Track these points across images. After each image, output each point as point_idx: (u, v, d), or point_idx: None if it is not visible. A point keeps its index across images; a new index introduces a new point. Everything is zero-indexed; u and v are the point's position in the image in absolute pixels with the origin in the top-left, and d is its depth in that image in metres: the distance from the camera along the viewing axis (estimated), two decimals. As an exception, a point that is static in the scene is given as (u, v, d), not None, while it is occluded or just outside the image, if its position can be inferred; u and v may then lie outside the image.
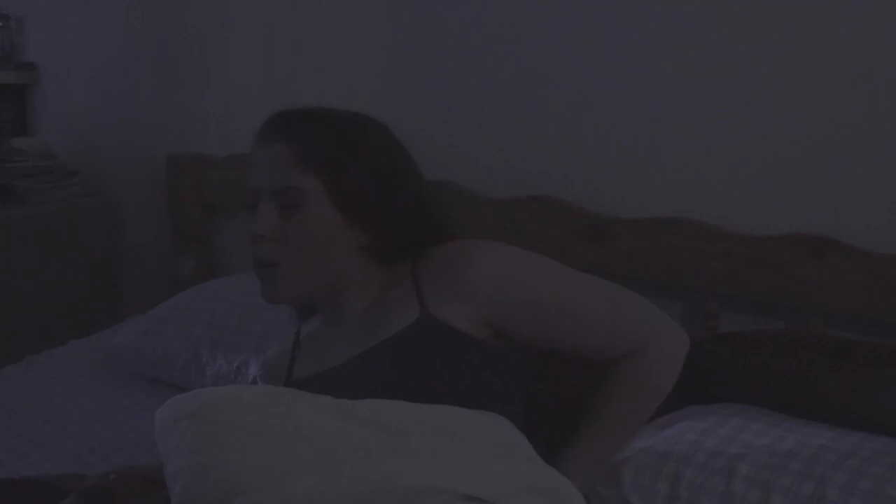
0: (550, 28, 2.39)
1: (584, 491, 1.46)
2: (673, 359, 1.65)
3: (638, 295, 1.66)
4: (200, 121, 3.02)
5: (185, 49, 3.03)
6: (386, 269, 1.52)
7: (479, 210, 2.43)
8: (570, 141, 2.39)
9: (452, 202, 2.38)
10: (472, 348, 1.41)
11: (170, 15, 3.05)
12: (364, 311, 1.51)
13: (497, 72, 2.47)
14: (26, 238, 2.97)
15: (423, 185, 1.54)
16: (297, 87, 2.77)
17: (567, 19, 2.37)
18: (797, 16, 2.11)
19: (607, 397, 1.58)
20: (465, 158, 2.52)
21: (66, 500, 1.51)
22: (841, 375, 1.90)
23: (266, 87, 2.84)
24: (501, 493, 1.25)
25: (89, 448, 2.05)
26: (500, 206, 2.42)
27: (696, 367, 2.04)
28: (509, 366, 1.49)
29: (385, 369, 1.40)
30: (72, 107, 3.29)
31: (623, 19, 2.30)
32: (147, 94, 3.13)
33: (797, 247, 2.09)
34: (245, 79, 2.90)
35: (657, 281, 2.26)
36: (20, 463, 1.96)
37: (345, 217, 1.43)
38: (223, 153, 2.92)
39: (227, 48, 2.91)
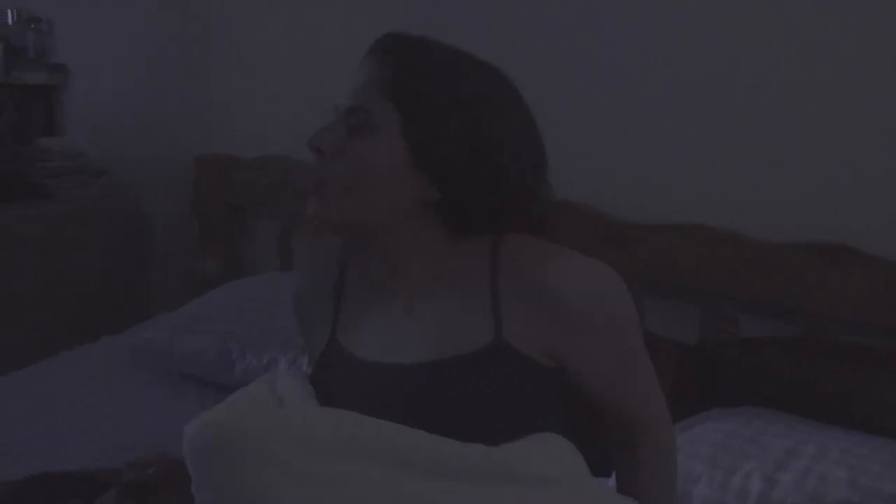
0: (570, 33, 2.44)
1: None
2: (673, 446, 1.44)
3: None
4: (227, 122, 3.07)
5: (212, 51, 3.09)
6: (455, 240, 1.28)
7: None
8: (590, 146, 2.43)
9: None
10: (542, 379, 1.24)
11: (198, 18, 3.10)
12: (424, 288, 1.28)
13: (515, 77, 2.50)
14: (55, 236, 3.03)
15: (532, 160, 1.30)
16: (324, 88, 2.81)
17: (585, 25, 2.42)
18: (815, 24, 2.15)
19: (643, 489, 1.37)
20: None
21: (107, 494, 1.55)
22: (860, 381, 1.95)
23: (293, 90, 2.90)
24: None
25: (122, 442, 2.09)
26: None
27: (716, 371, 2.10)
28: (566, 392, 1.32)
29: (451, 396, 1.21)
30: (100, 107, 3.34)
31: (643, 26, 2.35)
32: (174, 95, 3.18)
33: (814, 254, 2.14)
34: (272, 81, 2.95)
35: (675, 285, 2.31)
36: (56, 456, 2.00)
37: (415, 160, 1.21)
38: (250, 155, 2.98)
39: (255, 50, 2.96)
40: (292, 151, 2.81)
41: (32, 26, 3.36)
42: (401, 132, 1.21)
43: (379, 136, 1.21)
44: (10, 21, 3.35)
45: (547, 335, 1.21)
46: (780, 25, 2.20)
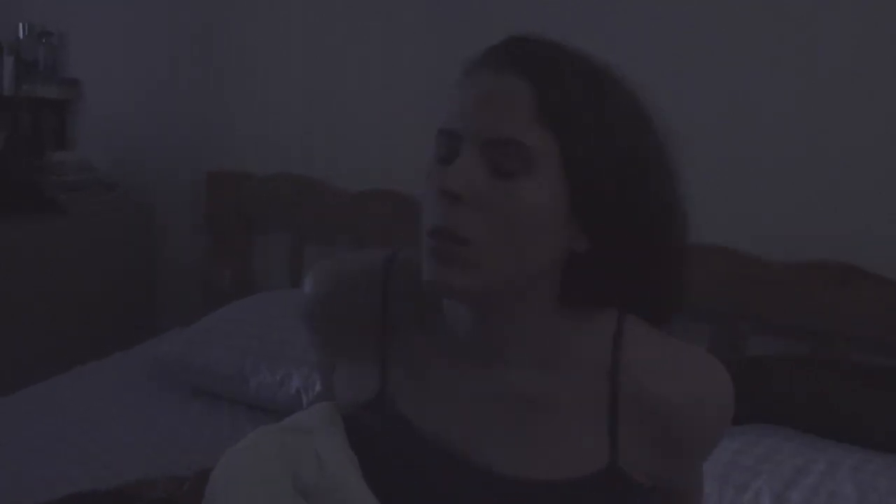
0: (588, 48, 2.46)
1: None
2: None
3: None
4: (240, 138, 3.10)
5: (226, 67, 3.11)
6: (567, 312, 1.03)
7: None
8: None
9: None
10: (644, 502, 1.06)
11: (212, 32, 3.13)
12: (526, 374, 1.04)
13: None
14: (67, 249, 3.04)
15: (681, 207, 1.06)
16: (337, 107, 2.86)
17: (592, 45, 2.43)
18: (825, 49, 2.20)
19: None
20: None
21: (139, 509, 1.56)
22: (870, 399, 1.99)
23: (307, 107, 2.93)
24: None
25: (139, 457, 2.10)
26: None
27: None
28: None
29: None
30: (113, 122, 3.37)
31: (651, 45, 2.39)
32: (187, 110, 3.20)
33: (823, 274, 2.18)
34: (285, 97, 2.99)
35: (688, 306, 2.33)
36: (74, 472, 2.01)
37: (573, 202, 0.96)
38: (262, 170, 3.01)
39: (268, 66, 2.99)
40: (305, 168, 2.84)
41: (44, 40, 3.38)
42: (561, 168, 0.95)
43: (536, 175, 0.94)
44: (21, 35, 3.37)
45: (659, 459, 1.02)
46: (794, 56, 2.24)
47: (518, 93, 0.94)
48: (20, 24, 3.37)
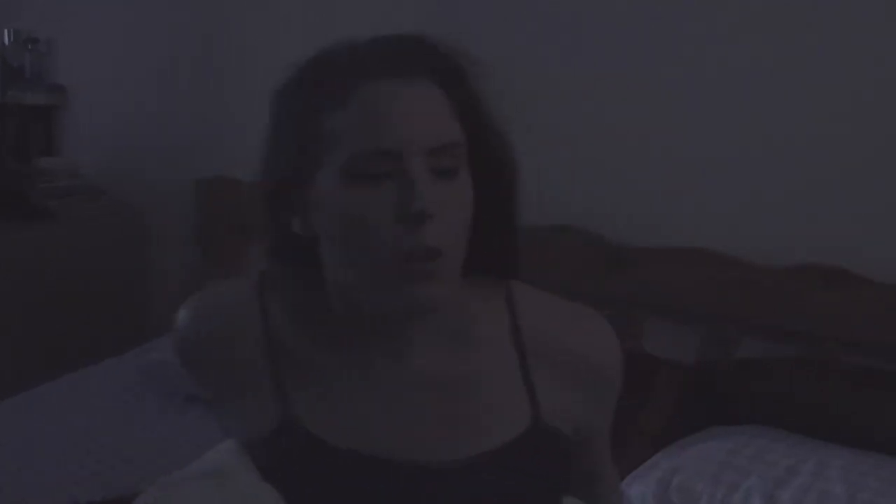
0: (572, 60, 2.49)
1: None
2: None
3: None
4: (230, 144, 3.10)
5: (214, 72, 3.11)
6: (472, 286, 1.06)
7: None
8: (592, 172, 2.49)
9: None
10: (568, 451, 1.10)
11: (200, 37, 3.13)
12: (438, 352, 1.06)
13: (518, 104, 2.55)
14: (56, 256, 3.03)
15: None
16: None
17: (590, 49, 2.48)
18: (811, 52, 2.23)
19: None
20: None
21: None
22: (858, 400, 2.02)
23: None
24: None
25: (131, 465, 2.11)
26: (523, 236, 2.49)
27: (717, 391, 2.17)
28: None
29: (489, 496, 1.04)
30: (100, 128, 3.36)
31: (647, 54, 2.41)
32: (176, 117, 3.20)
33: (811, 277, 2.21)
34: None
35: (676, 308, 2.37)
36: (65, 481, 2.02)
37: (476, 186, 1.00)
38: (253, 178, 3.00)
39: (259, 71, 2.97)
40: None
41: (30, 47, 3.38)
42: (470, 162, 0.99)
43: (462, 172, 0.98)
44: (7, 42, 3.36)
45: (578, 404, 1.08)
46: (774, 52, 2.27)
47: (436, 96, 0.97)
48: (6, 31, 3.36)
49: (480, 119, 1.01)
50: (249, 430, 1.05)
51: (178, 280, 3.25)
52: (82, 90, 3.40)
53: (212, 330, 1.09)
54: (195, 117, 3.17)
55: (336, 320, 1.05)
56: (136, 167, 3.31)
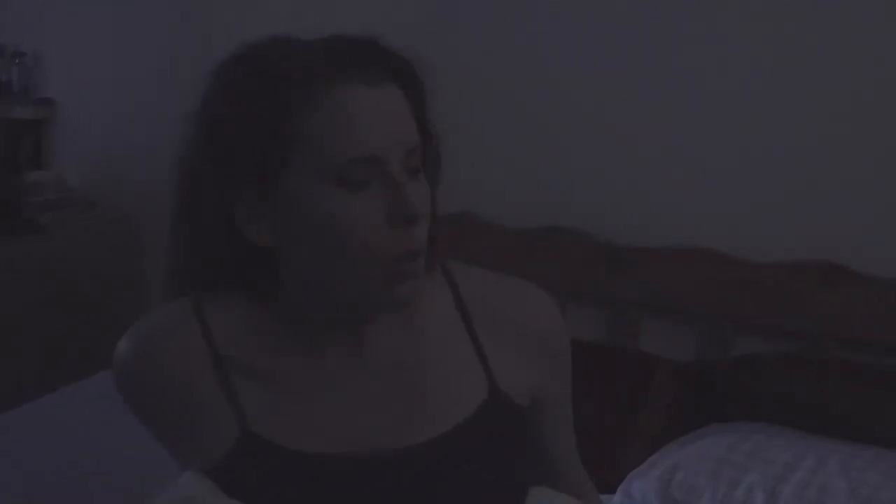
0: (569, 62, 2.49)
1: None
2: None
3: None
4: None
5: (202, 81, 3.10)
6: None
7: (498, 240, 2.52)
8: (590, 172, 2.49)
9: (472, 233, 2.47)
10: (524, 423, 1.12)
11: (189, 49, 3.12)
12: (390, 341, 1.07)
13: (516, 103, 2.57)
14: (46, 269, 3.01)
15: None
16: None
17: (589, 49, 2.48)
18: (810, 51, 2.24)
19: None
20: (485, 189, 2.60)
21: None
22: (855, 396, 2.02)
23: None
24: None
25: (127, 478, 2.07)
26: (521, 237, 2.51)
27: (715, 389, 2.16)
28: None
29: (457, 474, 1.04)
30: (90, 141, 3.34)
31: (646, 54, 2.42)
32: (166, 127, 3.16)
33: (806, 273, 2.21)
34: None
35: (672, 307, 2.37)
36: (62, 495, 2.01)
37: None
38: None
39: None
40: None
41: (17, 61, 3.36)
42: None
43: (421, 170, 1.00)
44: (-8, 56, 3.36)
45: (531, 368, 1.11)
46: (771, 50, 2.28)
47: (401, 99, 0.99)
48: (-8, 45, 3.36)
49: (426, 119, 1.04)
50: (208, 453, 1.02)
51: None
52: (70, 103, 3.39)
53: (155, 356, 1.06)
54: (184, 128, 3.15)
55: (284, 325, 1.04)
56: (127, 178, 3.29)
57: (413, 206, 0.94)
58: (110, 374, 2.57)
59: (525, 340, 1.10)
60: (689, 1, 2.36)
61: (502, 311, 1.10)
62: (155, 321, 1.10)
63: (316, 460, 1.00)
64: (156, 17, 3.17)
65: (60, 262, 3.06)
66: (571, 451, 1.24)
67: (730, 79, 2.31)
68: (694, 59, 2.35)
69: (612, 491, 1.87)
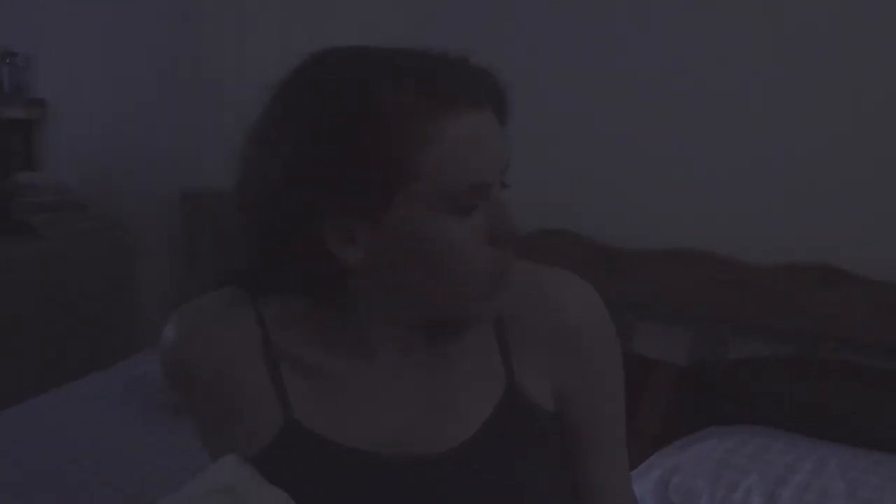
0: (566, 63, 2.49)
1: None
2: None
3: None
4: (214, 155, 3.08)
5: (198, 84, 3.09)
6: None
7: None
8: (586, 174, 2.48)
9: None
10: (556, 432, 1.10)
11: (182, 50, 3.11)
12: (423, 338, 1.06)
13: (511, 105, 2.54)
14: (38, 271, 3.01)
15: None
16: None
17: (585, 54, 2.48)
18: (808, 52, 2.23)
19: None
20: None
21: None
22: (853, 398, 2.02)
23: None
24: None
25: (118, 478, 2.08)
26: (517, 239, 2.48)
27: (712, 391, 2.16)
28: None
29: (481, 478, 1.05)
30: (81, 142, 3.34)
31: (636, 55, 2.41)
32: (159, 128, 3.18)
33: (802, 275, 2.20)
34: (258, 111, 2.96)
35: (668, 309, 2.36)
36: (55, 497, 1.99)
37: None
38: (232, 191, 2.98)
39: (243, 82, 2.98)
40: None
41: (7, 61, 3.35)
42: None
43: None
44: (-17, 57, 3.35)
45: (555, 374, 1.07)
46: (768, 51, 2.27)
47: (496, 122, 0.99)
48: (-18, 47, 3.34)
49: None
50: (250, 440, 1.04)
51: (163, 292, 3.22)
52: (62, 104, 3.38)
53: (205, 338, 1.06)
54: (176, 128, 3.15)
55: (339, 325, 1.03)
56: (119, 180, 3.29)
57: (514, 226, 0.97)
58: (103, 375, 2.61)
59: (549, 334, 1.07)
60: (685, 0, 2.35)
61: (529, 301, 1.06)
62: (207, 303, 1.09)
63: (358, 455, 1.02)
64: (148, 18, 3.16)
65: (52, 264, 3.06)
66: (616, 487, 1.16)
67: (728, 80, 2.31)
68: (692, 60, 2.35)
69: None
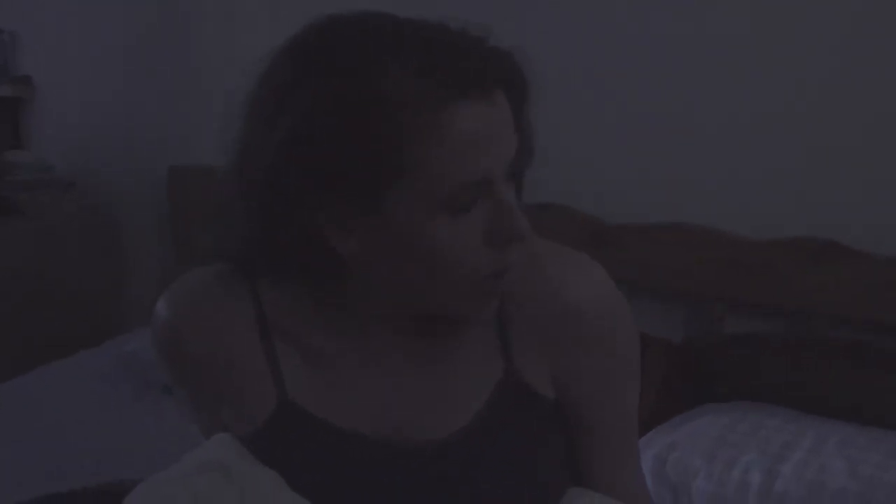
0: (556, 37, 2.44)
1: None
2: None
3: None
4: (202, 132, 3.04)
5: (184, 59, 3.06)
6: None
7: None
8: (577, 149, 2.45)
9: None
10: (556, 420, 1.05)
11: (169, 25, 3.08)
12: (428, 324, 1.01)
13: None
14: (25, 251, 2.99)
15: None
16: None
17: (573, 29, 2.44)
18: (800, 24, 2.19)
19: None
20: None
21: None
22: (847, 375, 2.00)
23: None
24: None
25: (107, 456, 2.08)
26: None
27: (705, 368, 2.14)
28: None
29: (477, 465, 1.02)
30: (68, 119, 3.31)
31: (627, 30, 2.38)
32: (147, 105, 3.15)
33: (798, 251, 2.17)
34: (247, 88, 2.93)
35: (660, 285, 2.34)
36: (44, 473, 1.98)
37: None
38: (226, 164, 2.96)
39: (232, 55, 2.94)
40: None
41: (-7, 38, 3.32)
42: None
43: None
44: (-31, 35, 3.31)
45: (554, 358, 1.02)
46: (757, 27, 2.24)
47: (508, 110, 0.91)
48: (-32, 24, 3.31)
49: (523, 116, 0.96)
50: (244, 419, 1.02)
51: (150, 271, 3.20)
52: (49, 82, 3.35)
53: (199, 314, 1.03)
54: (163, 105, 3.12)
55: (336, 309, 1.00)
56: (105, 157, 3.26)
57: (521, 230, 0.90)
58: (92, 354, 2.59)
59: (548, 316, 1.00)
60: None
61: (529, 281, 1.00)
62: (200, 280, 1.06)
63: (353, 437, 1.00)
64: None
65: (38, 243, 3.04)
66: (624, 485, 1.09)
67: (718, 50, 2.27)
68: (680, 34, 2.31)
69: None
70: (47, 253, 3.04)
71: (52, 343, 2.87)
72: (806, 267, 2.16)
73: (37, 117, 3.39)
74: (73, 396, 2.40)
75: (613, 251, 2.34)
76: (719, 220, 2.28)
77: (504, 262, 0.92)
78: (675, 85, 2.34)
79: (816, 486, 1.72)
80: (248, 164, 0.93)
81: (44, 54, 3.33)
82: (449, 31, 0.90)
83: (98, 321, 3.14)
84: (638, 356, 1.07)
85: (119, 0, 3.15)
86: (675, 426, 1.91)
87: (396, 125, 0.85)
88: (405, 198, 0.88)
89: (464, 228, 0.89)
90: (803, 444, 1.81)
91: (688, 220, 2.31)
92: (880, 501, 1.67)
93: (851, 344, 2.08)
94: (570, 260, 1.03)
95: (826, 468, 1.74)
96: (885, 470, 1.72)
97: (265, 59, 0.94)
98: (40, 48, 3.33)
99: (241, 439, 1.02)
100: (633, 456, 1.12)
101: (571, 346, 1.01)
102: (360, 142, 0.86)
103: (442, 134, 0.85)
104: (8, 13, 3.32)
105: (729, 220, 2.28)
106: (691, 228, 2.30)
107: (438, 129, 0.85)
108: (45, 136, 3.38)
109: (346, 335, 1.01)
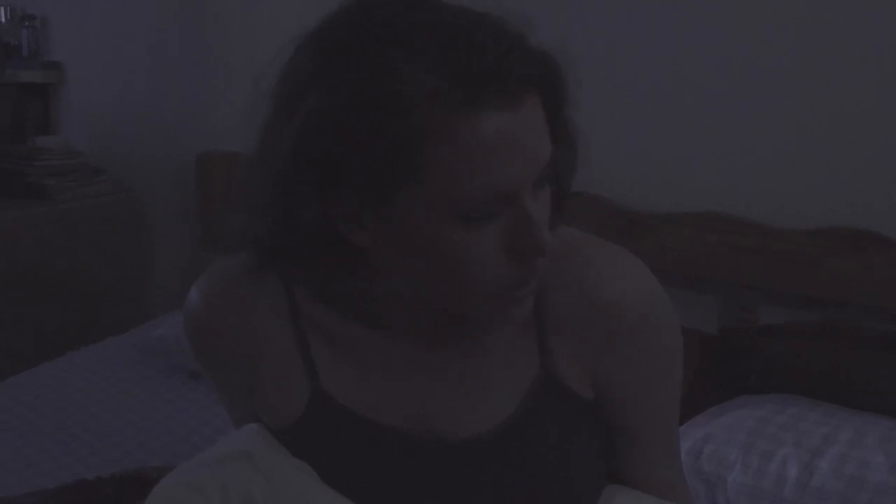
0: (581, 27, 2.42)
1: None
2: None
3: None
4: (228, 118, 3.03)
5: (211, 45, 3.05)
6: None
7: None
8: (604, 137, 2.40)
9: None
10: (593, 420, 1.03)
11: (195, 11, 3.07)
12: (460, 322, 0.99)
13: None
14: (53, 236, 2.99)
15: None
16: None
17: (597, 19, 2.41)
18: (821, 12, 2.16)
19: None
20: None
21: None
22: (882, 366, 1.95)
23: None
24: None
25: (137, 442, 2.07)
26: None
27: (740, 359, 2.10)
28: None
29: (510, 464, 1.00)
30: (97, 105, 3.31)
31: (661, 18, 2.34)
32: (175, 90, 3.15)
33: (832, 239, 2.13)
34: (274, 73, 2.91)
35: (692, 275, 2.30)
36: (71, 459, 1.97)
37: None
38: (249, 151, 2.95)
39: (255, 42, 2.92)
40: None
41: (26, 24, 3.32)
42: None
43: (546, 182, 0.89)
44: (2, 19, 3.32)
45: (591, 358, 1.00)
46: (791, 14, 2.20)
47: (540, 116, 0.86)
48: (2, 8, 3.32)
49: (562, 119, 0.93)
50: (276, 410, 1.02)
51: (177, 257, 3.20)
52: (79, 68, 3.35)
53: (233, 307, 1.02)
54: (192, 92, 3.11)
55: (370, 304, 0.98)
56: (133, 143, 3.26)
57: (543, 244, 0.85)
58: (119, 340, 2.59)
59: (586, 314, 0.97)
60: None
61: (567, 277, 0.97)
62: (233, 268, 1.04)
63: (387, 431, 0.99)
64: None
65: (66, 228, 3.04)
66: (663, 486, 1.07)
67: (750, 38, 2.24)
68: (709, 17, 2.28)
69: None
70: (75, 238, 3.04)
71: (79, 328, 2.87)
72: (839, 256, 2.12)
73: (66, 103, 3.39)
74: (100, 382, 2.39)
75: (644, 240, 2.32)
76: (751, 208, 2.25)
77: (525, 276, 0.88)
78: (706, 74, 2.30)
79: (856, 480, 1.68)
80: (269, 153, 0.91)
81: (74, 40, 3.33)
82: (481, 28, 0.83)
83: (125, 307, 3.14)
84: (681, 354, 1.06)
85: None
86: (710, 417, 1.87)
87: (408, 126, 0.80)
88: (417, 200, 0.83)
89: (481, 238, 0.85)
90: (841, 438, 1.77)
91: (718, 209, 2.27)
92: (922, 497, 1.63)
93: (889, 334, 2.03)
94: (611, 257, 1.00)
95: (866, 463, 1.70)
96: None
97: (290, 45, 0.91)
98: (71, 34, 3.33)
99: (272, 430, 1.02)
100: (675, 454, 1.11)
101: (613, 344, 0.98)
102: (370, 140, 0.82)
103: (456, 140, 0.80)
104: (39, 0, 3.33)
105: (760, 209, 2.24)
106: (722, 217, 2.26)
107: (453, 135, 0.80)
108: (74, 122, 3.38)
109: (378, 328, 0.99)
